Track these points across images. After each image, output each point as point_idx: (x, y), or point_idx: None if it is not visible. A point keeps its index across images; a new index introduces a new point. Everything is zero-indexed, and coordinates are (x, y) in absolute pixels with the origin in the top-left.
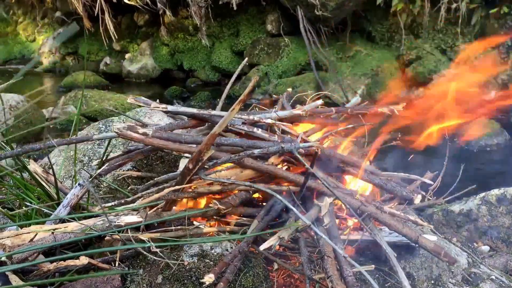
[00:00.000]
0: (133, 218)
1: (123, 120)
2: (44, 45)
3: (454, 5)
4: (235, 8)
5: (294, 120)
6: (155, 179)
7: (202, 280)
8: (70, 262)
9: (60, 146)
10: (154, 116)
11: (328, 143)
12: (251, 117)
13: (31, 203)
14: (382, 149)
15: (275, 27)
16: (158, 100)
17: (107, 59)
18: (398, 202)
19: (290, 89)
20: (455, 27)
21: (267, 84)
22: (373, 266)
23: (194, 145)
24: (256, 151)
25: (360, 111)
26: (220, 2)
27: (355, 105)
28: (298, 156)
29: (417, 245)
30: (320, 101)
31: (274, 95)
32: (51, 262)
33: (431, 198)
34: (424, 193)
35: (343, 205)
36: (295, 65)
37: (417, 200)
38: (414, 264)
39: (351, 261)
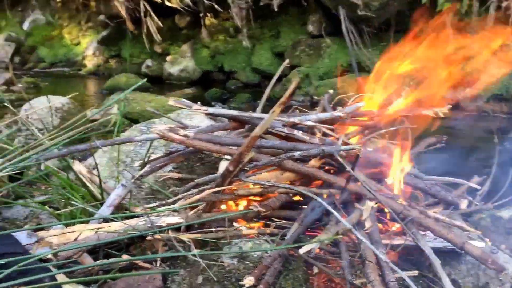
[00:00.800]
0: (174, 219)
1: (164, 122)
2: (88, 48)
3: (504, 4)
4: (276, 9)
5: (335, 122)
6: (196, 180)
7: (241, 283)
8: (112, 260)
9: (104, 147)
10: (195, 118)
11: (370, 146)
12: (291, 119)
13: (76, 202)
14: (428, 152)
15: (316, 28)
16: (199, 103)
17: (149, 62)
18: (443, 207)
19: (331, 91)
20: (505, 26)
21: (308, 85)
22: (416, 272)
23: (234, 147)
24: (296, 154)
25: (403, 114)
26: (261, 3)
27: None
28: (339, 158)
29: (463, 252)
30: (361, 103)
31: (315, 97)
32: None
33: (478, 204)
34: (471, 198)
35: (385, 209)
36: (336, 66)
37: (463, 205)
38: (460, 271)
39: (393, 266)
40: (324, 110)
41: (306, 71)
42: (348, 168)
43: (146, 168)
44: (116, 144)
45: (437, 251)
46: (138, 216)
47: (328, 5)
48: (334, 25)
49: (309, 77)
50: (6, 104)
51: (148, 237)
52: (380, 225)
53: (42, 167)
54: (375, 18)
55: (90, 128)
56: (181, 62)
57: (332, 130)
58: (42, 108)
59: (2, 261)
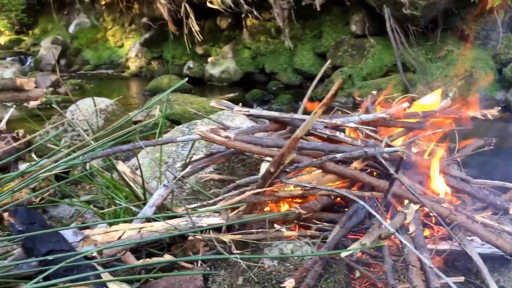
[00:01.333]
0: (215, 220)
1: (206, 123)
2: (131, 50)
3: None
4: (318, 9)
5: (378, 124)
6: (237, 182)
7: (282, 285)
8: (156, 260)
9: (146, 148)
10: (236, 119)
11: (414, 148)
12: (333, 121)
13: (120, 202)
14: (475, 154)
15: (359, 28)
16: (240, 104)
17: (190, 63)
18: (492, 212)
19: (374, 92)
20: None
21: (351, 86)
22: (462, 278)
23: (276, 149)
24: (338, 156)
25: (449, 115)
26: (303, 3)
27: (444, 109)
28: (382, 161)
29: None
30: (405, 104)
31: (358, 98)
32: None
33: None
34: None
35: (430, 213)
36: (380, 66)
37: None
38: (509, 278)
39: (438, 271)
40: (367, 111)
41: (348, 71)
42: (391, 170)
43: (188, 169)
44: (159, 145)
45: (485, 257)
46: (180, 216)
47: (372, 4)
48: (378, 25)
49: (352, 77)
50: (53, 105)
51: (190, 237)
52: (426, 230)
53: (87, 166)
54: (421, 16)
55: (134, 130)
56: (222, 64)
57: (375, 132)
58: (87, 109)
59: (50, 257)
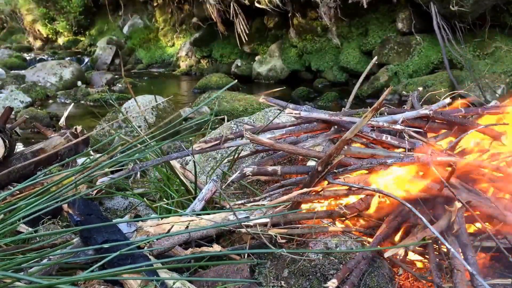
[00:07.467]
0: (261, 220)
1: (253, 120)
2: (181, 50)
3: None
4: (365, 7)
5: (424, 123)
6: (282, 182)
7: (325, 285)
8: (205, 249)
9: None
10: (282, 117)
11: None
12: (380, 123)
13: (171, 196)
14: None
15: (406, 25)
16: (290, 101)
17: (238, 62)
18: None
19: (420, 88)
20: None
21: (397, 84)
22: (510, 280)
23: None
24: (389, 161)
25: (492, 112)
26: (350, 1)
27: (487, 106)
28: (433, 169)
29: None
30: (447, 100)
31: (404, 92)
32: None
33: None
34: None
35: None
36: (427, 63)
37: None
38: None
39: (479, 278)
40: (412, 107)
41: (394, 69)
42: (443, 179)
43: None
44: (206, 151)
45: None
46: (228, 211)
47: (419, 1)
48: (425, 22)
49: (398, 75)
50: (112, 101)
51: (237, 231)
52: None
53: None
54: (469, 13)
55: (186, 129)
56: (269, 62)
57: (420, 133)
58: (140, 106)
59: (105, 246)
